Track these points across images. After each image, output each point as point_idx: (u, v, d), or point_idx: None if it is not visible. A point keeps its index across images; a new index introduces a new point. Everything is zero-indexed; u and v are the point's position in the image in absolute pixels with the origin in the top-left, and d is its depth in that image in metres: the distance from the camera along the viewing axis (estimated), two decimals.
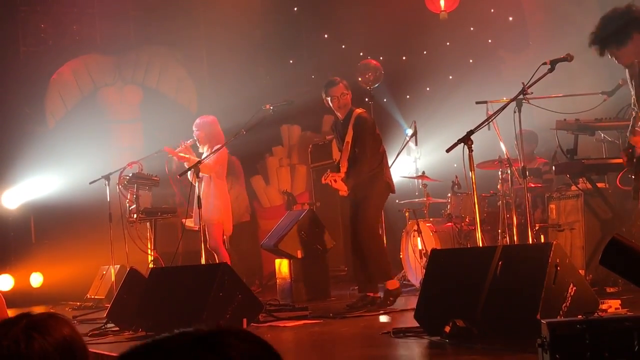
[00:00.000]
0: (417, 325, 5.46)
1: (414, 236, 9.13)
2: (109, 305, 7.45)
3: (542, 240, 7.87)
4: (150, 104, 13.20)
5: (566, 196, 7.88)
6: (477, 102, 8.06)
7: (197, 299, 6.39)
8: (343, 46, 13.43)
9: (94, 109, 12.94)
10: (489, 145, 8.24)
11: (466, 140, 5.85)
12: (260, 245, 10.21)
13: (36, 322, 1.78)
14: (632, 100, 5.92)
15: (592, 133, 7.38)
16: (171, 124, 12.26)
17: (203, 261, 7.51)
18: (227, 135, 8.74)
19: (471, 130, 5.91)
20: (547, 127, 7.91)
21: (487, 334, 4.84)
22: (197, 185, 7.97)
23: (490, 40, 12.56)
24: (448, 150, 5.92)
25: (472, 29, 12.66)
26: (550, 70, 6.02)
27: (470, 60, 12.69)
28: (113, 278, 9.60)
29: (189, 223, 8.72)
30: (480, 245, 6.11)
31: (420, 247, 8.86)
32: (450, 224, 9.17)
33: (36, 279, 11.84)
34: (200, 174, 8.05)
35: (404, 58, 13.37)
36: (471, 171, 5.93)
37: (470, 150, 5.86)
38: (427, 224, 9.16)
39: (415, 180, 10.25)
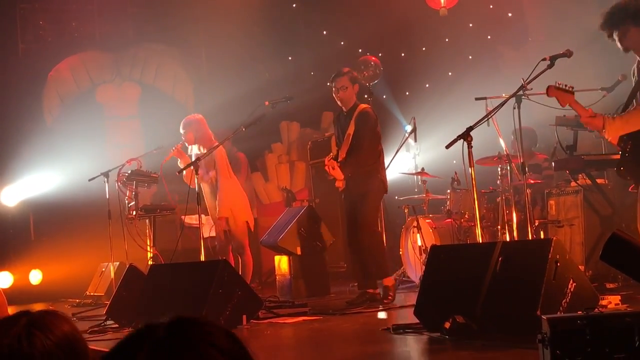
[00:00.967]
0: (417, 321, 5.46)
1: (413, 232, 9.13)
2: (109, 302, 7.45)
3: (542, 236, 7.87)
4: (148, 100, 13.18)
5: (566, 192, 7.87)
6: (477, 98, 8.06)
7: (197, 296, 6.39)
8: (342, 43, 13.42)
9: (92, 106, 12.92)
10: (488, 141, 8.24)
11: (465, 136, 5.84)
12: (259, 242, 10.21)
13: (36, 319, 1.77)
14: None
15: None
16: (169, 120, 12.24)
17: (202, 258, 7.51)
18: (226, 132, 8.72)
19: (470, 127, 5.90)
20: (546, 123, 7.90)
21: (487, 330, 4.84)
22: (196, 182, 7.96)
23: (489, 37, 12.55)
24: (447, 147, 5.92)
25: (471, 25, 12.65)
26: (550, 66, 6.02)
27: (470, 57, 12.68)
28: (112, 275, 9.59)
29: (189, 220, 8.71)
30: (480, 241, 6.11)
31: (419, 243, 8.86)
32: (449, 220, 9.16)
33: (35, 276, 11.83)
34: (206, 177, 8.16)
35: (403, 54, 13.36)
36: (470, 167, 5.92)
37: (470, 146, 5.86)
38: (427, 221, 9.16)
39: (415, 176, 10.25)
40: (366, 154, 7.73)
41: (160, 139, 9.69)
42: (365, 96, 9.95)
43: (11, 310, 9.88)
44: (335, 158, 7.91)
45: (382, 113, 11.03)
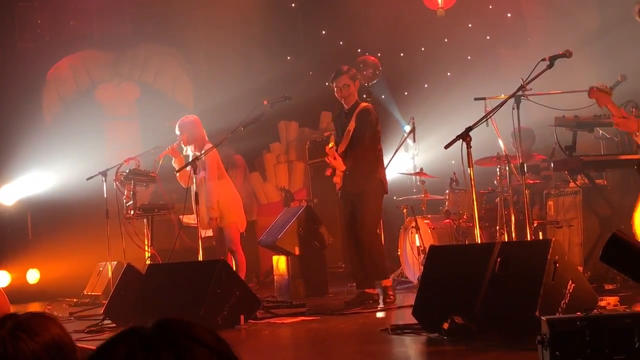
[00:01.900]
0: (415, 322, 5.44)
1: (412, 233, 9.11)
2: (106, 302, 7.44)
3: (541, 237, 7.86)
4: (147, 100, 13.18)
5: (564, 193, 7.87)
6: (476, 99, 8.03)
7: (195, 296, 6.38)
8: (341, 42, 13.41)
9: (91, 105, 12.91)
10: (487, 141, 8.22)
11: (464, 136, 5.83)
12: (257, 242, 10.19)
13: (22, 322, 1.75)
14: None
15: (590, 130, 7.38)
16: (168, 120, 12.23)
17: (200, 258, 7.49)
18: (224, 132, 8.70)
19: (469, 127, 5.89)
20: (545, 124, 7.90)
21: (485, 330, 4.83)
22: (194, 182, 7.95)
23: (488, 37, 12.54)
24: (446, 147, 5.91)
25: (470, 25, 12.64)
26: (549, 66, 6.01)
27: (469, 57, 12.67)
28: (110, 274, 9.56)
29: (187, 219, 8.69)
30: (479, 242, 6.10)
31: (418, 243, 8.84)
32: (448, 220, 9.15)
33: (33, 276, 11.81)
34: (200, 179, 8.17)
35: (402, 54, 13.35)
36: (469, 168, 5.91)
37: (469, 146, 5.85)
38: (425, 221, 9.15)
39: (413, 176, 10.24)
40: (366, 150, 7.71)
41: (159, 139, 9.67)
42: (364, 96, 9.93)
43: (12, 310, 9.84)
44: (335, 150, 7.89)
45: (381, 113, 10.98)
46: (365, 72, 10.31)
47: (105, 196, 9.11)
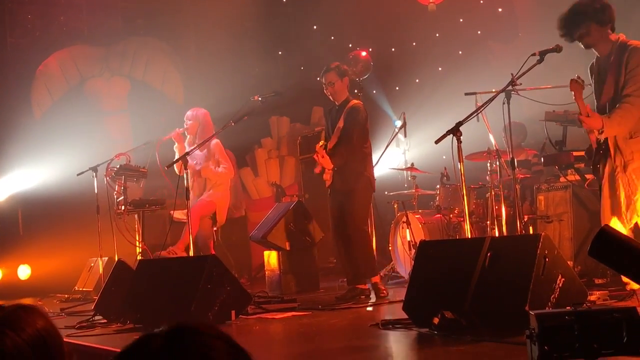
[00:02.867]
0: (406, 317, 5.45)
1: (402, 228, 9.12)
2: (97, 298, 7.42)
3: (531, 232, 7.88)
4: (137, 95, 13.15)
5: (555, 188, 7.88)
6: (466, 94, 8.06)
7: (186, 291, 6.37)
8: (332, 37, 13.40)
9: (81, 100, 12.88)
10: (478, 136, 8.23)
11: (455, 131, 5.85)
12: (249, 237, 10.19)
13: (7, 316, 1.74)
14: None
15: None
16: (158, 115, 12.22)
17: (191, 253, 7.49)
18: (215, 127, 8.71)
19: (460, 122, 5.90)
20: (536, 119, 7.91)
21: (475, 325, 4.84)
22: (185, 176, 7.95)
23: (479, 32, 12.55)
24: (437, 142, 5.92)
25: (461, 20, 12.65)
26: (540, 61, 6.02)
27: (460, 52, 12.68)
28: (101, 270, 9.55)
29: (177, 215, 8.69)
30: (469, 236, 6.13)
31: (409, 238, 8.85)
32: (439, 215, 9.17)
33: (24, 271, 11.78)
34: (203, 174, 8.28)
35: (393, 49, 13.35)
36: (460, 163, 5.92)
37: (459, 141, 5.86)
38: (416, 216, 9.16)
39: (404, 171, 10.26)
40: (354, 148, 7.70)
41: (149, 134, 9.66)
42: (355, 91, 9.93)
43: None
44: (325, 148, 7.89)
45: (372, 108, 11.03)
46: (356, 67, 10.28)
47: (96, 192, 9.11)
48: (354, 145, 7.70)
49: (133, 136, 12.38)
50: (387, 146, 9.65)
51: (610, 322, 3.35)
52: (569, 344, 3.34)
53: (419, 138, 10.63)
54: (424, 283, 5.45)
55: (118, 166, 8.79)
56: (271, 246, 9.18)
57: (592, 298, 5.55)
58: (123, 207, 8.65)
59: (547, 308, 4.62)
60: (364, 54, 10.83)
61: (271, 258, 9.25)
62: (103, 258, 9.58)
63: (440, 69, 12.70)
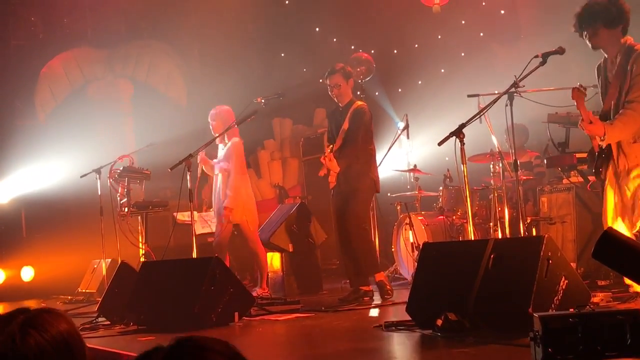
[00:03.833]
0: (409, 318, 5.45)
1: (405, 229, 9.12)
2: (100, 299, 7.43)
3: (534, 234, 7.88)
4: (140, 97, 13.17)
5: (557, 189, 7.89)
6: (469, 95, 8.06)
7: (189, 293, 6.38)
8: (335, 39, 13.42)
9: (84, 103, 12.90)
10: (480, 138, 8.24)
11: (458, 133, 5.85)
12: None
13: (33, 317, 1.78)
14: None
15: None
16: (161, 117, 12.23)
17: (194, 255, 7.49)
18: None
19: (463, 124, 5.91)
20: (538, 120, 7.91)
21: (479, 327, 4.84)
22: (188, 178, 7.95)
23: (482, 33, 12.56)
24: (440, 144, 5.92)
25: (463, 22, 12.65)
26: (542, 63, 6.02)
27: (462, 53, 12.69)
28: (104, 272, 9.57)
29: (181, 217, 8.69)
30: (472, 238, 6.11)
31: (412, 240, 8.85)
32: (442, 217, 9.17)
33: (27, 273, 11.80)
34: (217, 171, 8.20)
35: (395, 51, 13.36)
36: (463, 164, 5.92)
37: (462, 143, 5.86)
38: (419, 217, 9.16)
39: (407, 173, 10.25)
40: (359, 150, 7.71)
41: (153, 136, 9.67)
42: (358, 93, 9.94)
43: (2, 308, 9.84)
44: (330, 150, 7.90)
45: (374, 110, 11.00)
46: (358, 69, 10.29)
47: (99, 193, 9.12)
48: (359, 147, 7.70)
49: (136, 138, 12.39)
50: (389, 148, 9.65)
51: (613, 324, 3.35)
52: (572, 346, 3.34)
53: (422, 140, 10.63)
54: (427, 285, 5.46)
55: (121, 168, 8.80)
56: (274, 248, 9.18)
57: (595, 300, 5.55)
58: (126, 209, 8.66)
59: (550, 310, 4.62)
60: (366, 55, 10.83)
61: (274, 260, 9.26)
62: (106, 260, 9.59)
63: (442, 70, 12.71)
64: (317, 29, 13.57)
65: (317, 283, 9.21)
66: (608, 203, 5.86)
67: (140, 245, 8.69)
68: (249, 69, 13.30)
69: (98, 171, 9.09)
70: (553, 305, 4.71)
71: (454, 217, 9.04)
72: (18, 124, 12.18)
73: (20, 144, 11.84)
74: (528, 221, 7.81)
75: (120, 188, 8.78)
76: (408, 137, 10.03)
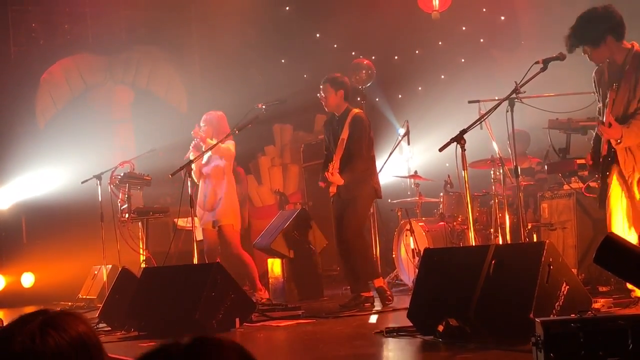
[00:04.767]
0: (410, 324, 5.45)
1: (406, 235, 9.12)
2: (101, 306, 7.43)
3: (535, 240, 7.88)
4: (141, 103, 13.17)
5: (558, 195, 7.89)
6: (470, 102, 8.07)
7: (190, 299, 6.38)
8: (335, 45, 13.42)
9: (85, 109, 12.90)
10: (481, 144, 8.24)
11: (459, 139, 5.85)
12: (252, 245, 10.18)
13: (52, 318, 1.80)
14: (598, 108, 6.01)
15: (584, 132, 7.37)
16: (162, 124, 12.23)
17: (195, 261, 7.49)
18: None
19: (464, 130, 5.91)
20: (539, 126, 7.91)
21: (480, 333, 4.84)
22: (189, 184, 7.96)
23: (482, 40, 12.57)
24: (441, 150, 5.92)
25: (464, 28, 12.67)
26: (543, 69, 6.02)
27: (463, 60, 12.70)
28: (105, 278, 9.57)
29: (181, 222, 8.69)
30: (473, 244, 6.12)
31: (412, 246, 8.85)
32: (442, 223, 9.17)
33: (28, 279, 11.79)
34: (205, 172, 8.19)
35: (396, 57, 13.37)
36: (464, 170, 5.92)
37: (463, 149, 5.87)
38: (420, 224, 9.16)
39: (408, 179, 10.25)
40: (362, 160, 7.70)
41: (153, 142, 9.67)
42: (358, 99, 9.94)
43: (2, 314, 9.82)
44: (324, 166, 7.89)
45: (375, 116, 11.06)
46: (359, 75, 10.29)
47: (100, 199, 9.12)
48: (362, 154, 7.69)
49: (137, 144, 12.39)
50: (390, 154, 9.65)
51: (615, 330, 3.35)
52: (574, 351, 3.34)
53: (423, 146, 10.63)
54: (429, 291, 5.46)
55: (122, 174, 8.80)
56: (275, 254, 9.18)
57: (596, 305, 5.55)
58: (127, 215, 8.66)
59: (551, 316, 4.62)
60: (367, 62, 10.84)
61: (275, 266, 9.25)
62: (107, 266, 9.58)
63: (443, 77, 12.72)
64: (318, 35, 13.58)
65: (318, 289, 9.21)
66: (613, 208, 5.84)
67: (141, 251, 8.68)
68: (250, 75, 13.31)
69: (99, 177, 9.09)
70: (554, 311, 4.72)
71: (455, 223, 9.04)
72: (18, 129, 12.17)
73: (20, 150, 11.84)
74: (529, 227, 7.82)
75: (120, 194, 8.78)
76: (409, 143, 10.03)
